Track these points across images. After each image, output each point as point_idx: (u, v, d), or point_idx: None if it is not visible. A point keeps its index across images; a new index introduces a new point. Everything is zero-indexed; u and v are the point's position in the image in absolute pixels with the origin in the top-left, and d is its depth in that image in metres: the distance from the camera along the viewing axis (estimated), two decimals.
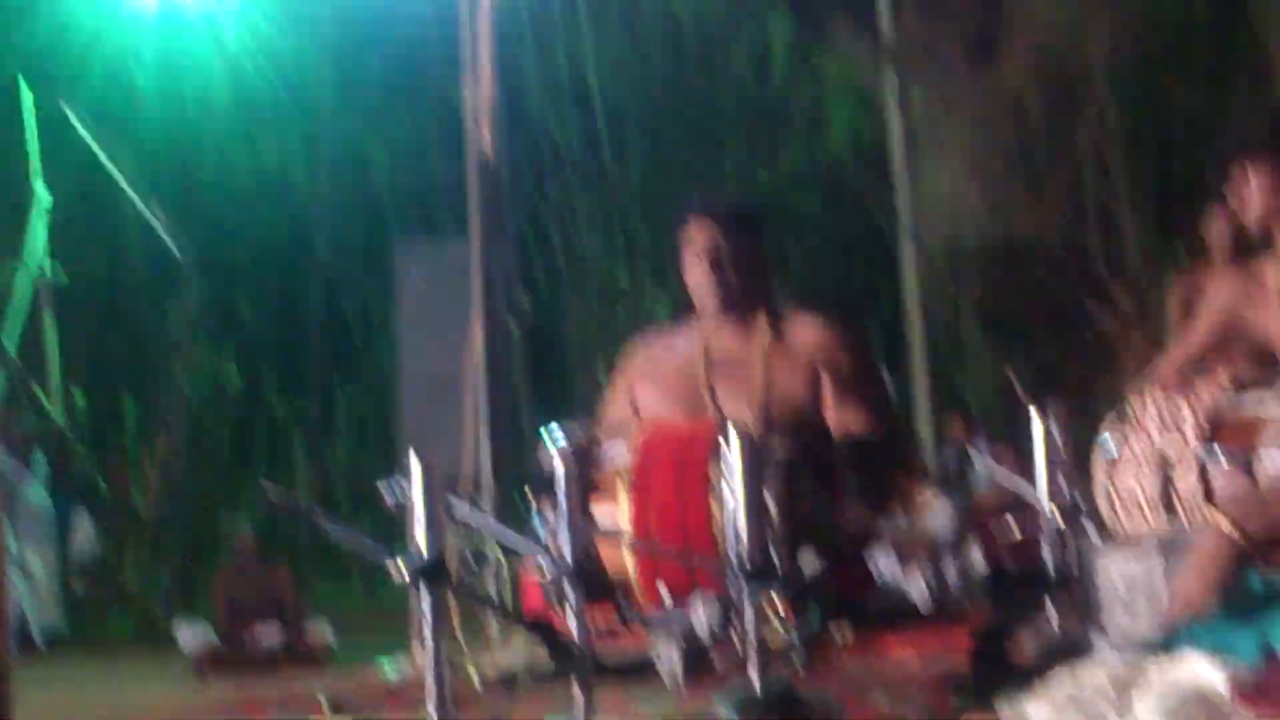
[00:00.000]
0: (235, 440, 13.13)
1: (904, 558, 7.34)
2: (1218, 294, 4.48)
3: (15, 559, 9.58)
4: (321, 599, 10.21)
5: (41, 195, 11.13)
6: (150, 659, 9.23)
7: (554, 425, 3.16)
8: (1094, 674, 1.74)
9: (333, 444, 14.07)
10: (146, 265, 12.86)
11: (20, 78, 11.34)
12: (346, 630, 8.81)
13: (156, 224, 11.72)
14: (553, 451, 2.54)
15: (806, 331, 4.06)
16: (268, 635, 8.67)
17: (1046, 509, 3.26)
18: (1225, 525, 2.14)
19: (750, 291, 4.05)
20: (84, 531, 10.98)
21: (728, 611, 2.46)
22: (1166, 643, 1.88)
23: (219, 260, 13.47)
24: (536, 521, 3.49)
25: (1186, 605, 2.06)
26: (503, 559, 2.95)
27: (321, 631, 8.77)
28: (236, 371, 13.06)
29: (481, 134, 6.46)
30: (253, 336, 14.20)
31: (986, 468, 6.20)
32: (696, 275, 4.05)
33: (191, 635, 8.79)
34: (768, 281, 4.20)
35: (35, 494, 10.25)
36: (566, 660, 2.09)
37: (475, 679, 2.28)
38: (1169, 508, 3.11)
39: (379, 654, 3.74)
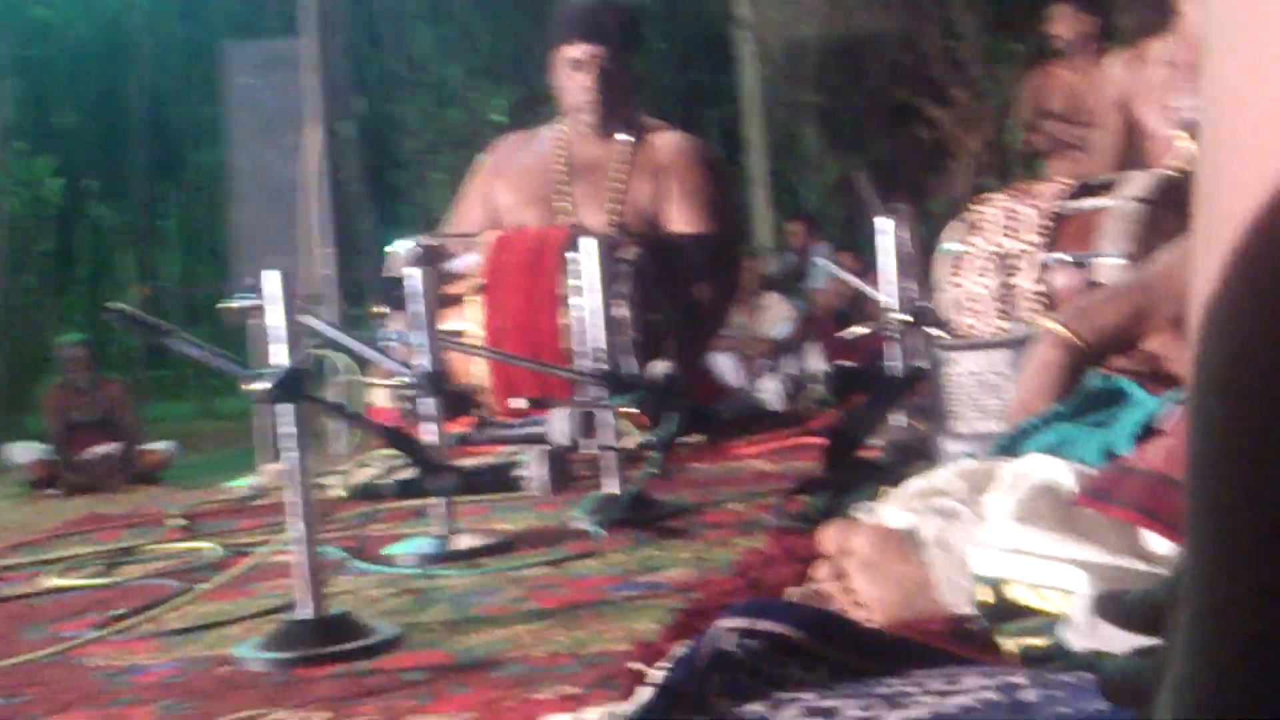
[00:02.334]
0: (59, 251, 12.75)
1: (748, 361, 7.46)
2: (1109, 85, 4.53)
3: None
4: (157, 415, 10.07)
5: None
6: None
7: (406, 238, 3.11)
8: (945, 474, 1.77)
9: (162, 254, 13.76)
10: None
11: None
12: (184, 449, 8.71)
13: None
14: (405, 258, 2.50)
15: (662, 143, 4.08)
16: (105, 452, 8.52)
17: (893, 309, 3.31)
18: (1060, 329, 2.17)
19: (624, 106, 4.06)
20: None
21: (585, 421, 2.47)
22: (1014, 443, 1.92)
23: (34, 59, 12.96)
24: (385, 336, 3.46)
25: (1025, 410, 2.10)
26: (357, 374, 2.92)
27: (160, 449, 8.65)
28: (57, 178, 12.59)
29: None
30: (73, 142, 13.74)
31: (830, 270, 6.31)
32: (576, 89, 4.03)
33: (25, 452, 8.61)
34: (636, 92, 4.22)
35: None
36: (429, 471, 2.08)
37: (340, 491, 2.28)
38: (1009, 308, 3.17)
39: (218, 471, 3.72)
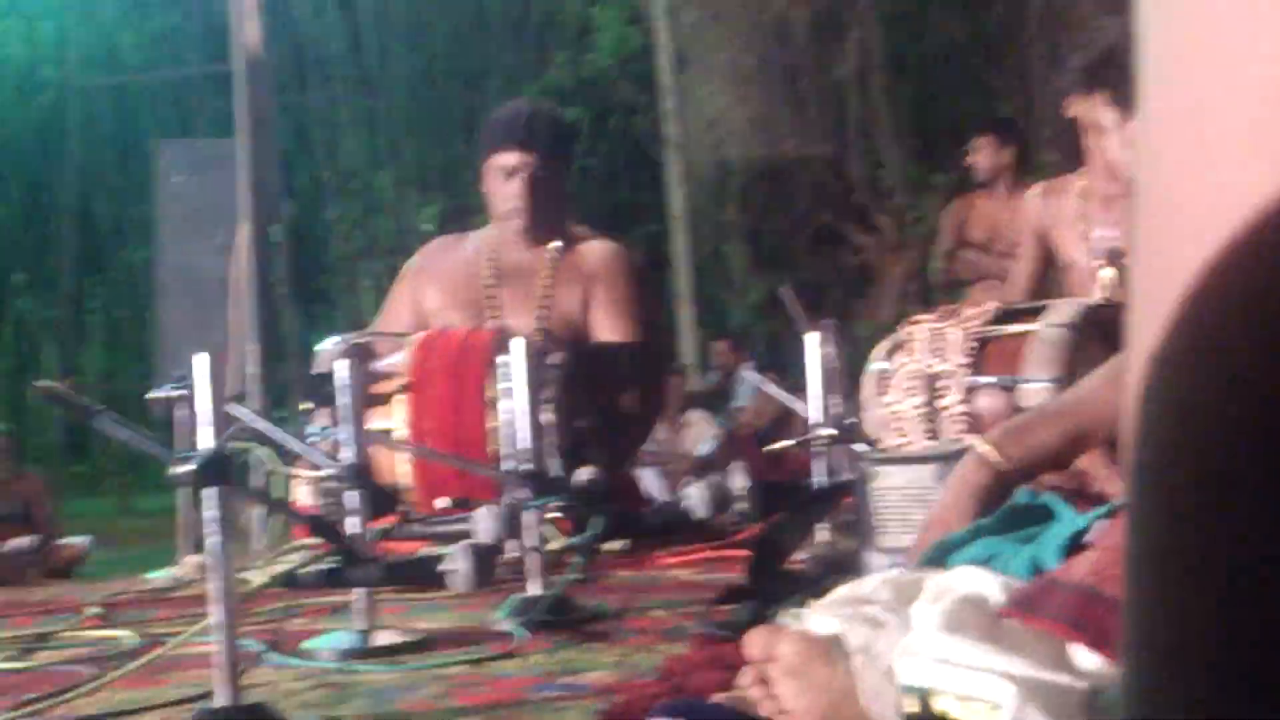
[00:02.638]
0: None
1: (671, 476, 7.46)
2: (1028, 215, 4.60)
3: None
4: (75, 511, 9.91)
5: None
6: None
7: (334, 336, 3.11)
8: (872, 584, 1.77)
9: (85, 347, 13.63)
10: None
11: None
12: (101, 545, 8.58)
13: None
14: (332, 353, 2.50)
15: (590, 251, 4.10)
16: (19, 544, 8.39)
17: (819, 424, 3.33)
18: (986, 450, 2.18)
19: (554, 214, 4.07)
20: None
21: (510, 521, 2.46)
22: (940, 556, 1.92)
23: None
24: (311, 433, 3.44)
25: (942, 526, 2.11)
26: (278, 469, 2.89)
27: (76, 543, 8.52)
28: None
29: (246, 30, 6.26)
30: (2, 234, 13.65)
31: (758, 385, 6.36)
32: (506, 196, 4.04)
33: None
34: (566, 201, 4.24)
35: None
36: (352, 561, 2.06)
37: (256, 580, 2.25)
38: (935, 429, 3.19)
39: (135, 567, 3.66)
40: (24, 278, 13.31)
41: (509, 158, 4.02)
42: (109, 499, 12.20)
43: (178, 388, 2.59)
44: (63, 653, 2.50)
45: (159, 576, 3.33)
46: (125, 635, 2.55)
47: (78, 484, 12.07)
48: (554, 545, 3.02)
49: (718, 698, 1.76)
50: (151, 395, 2.84)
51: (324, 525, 2.04)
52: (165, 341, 7.77)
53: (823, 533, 3.22)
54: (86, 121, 13.92)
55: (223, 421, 1.88)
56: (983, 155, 6.61)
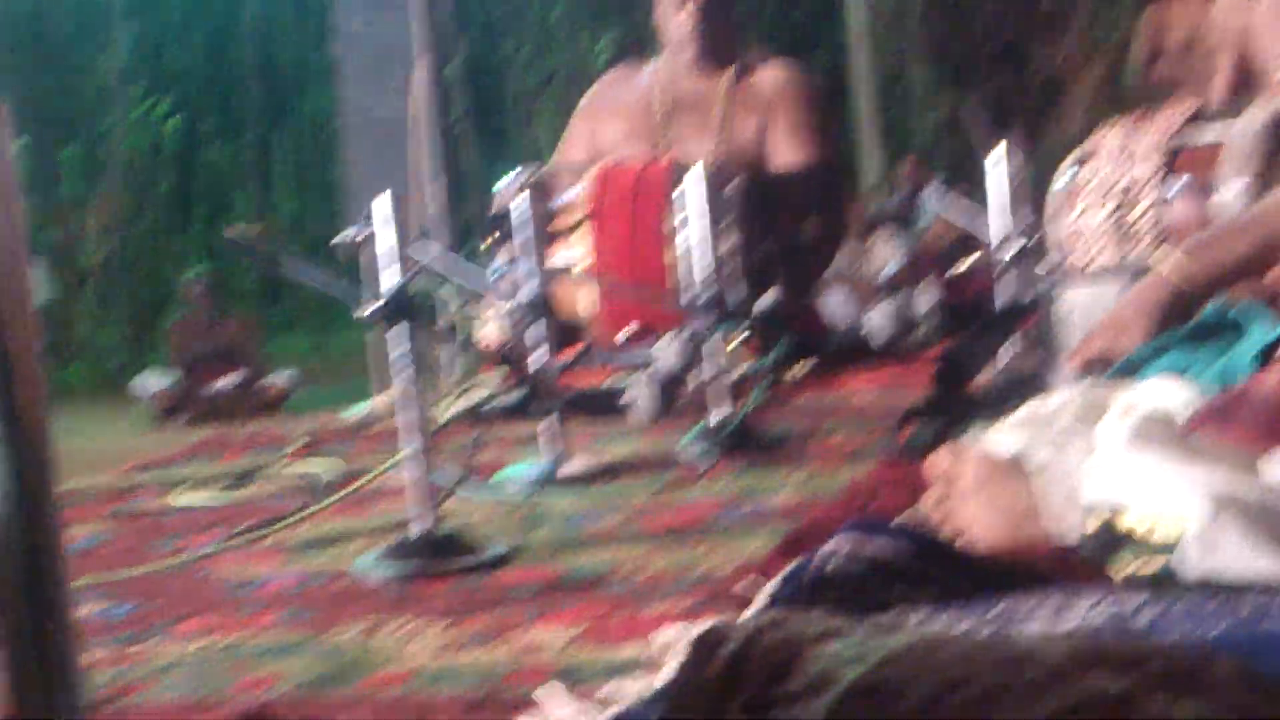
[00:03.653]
0: (177, 191, 12.91)
1: (855, 299, 7.41)
2: (1223, 18, 4.41)
3: None
4: (273, 350, 10.20)
5: None
6: (105, 409, 9.25)
7: (513, 172, 3.12)
8: (1056, 403, 1.74)
9: (273, 193, 13.91)
10: (75, 7, 12.43)
11: None
12: (300, 382, 8.84)
13: None
14: (513, 189, 2.52)
15: (766, 76, 4.05)
16: (226, 383, 8.69)
17: (1002, 241, 3.28)
18: (1168, 269, 2.12)
19: (726, 40, 4.03)
20: (37, 280, 10.85)
21: (693, 349, 2.48)
22: (1129, 369, 1.89)
23: (150, 1, 13.13)
24: (493, 270, 3.49)
25: (1110, 339, 2.06)
26: (462, 307, 2.94)
27: (281, 380, 8.79)
28: (173, 119, 12.73)
29: None
30: (188, 84, 13.91)
31: (944, 203, 6.26)
32: (679, 24, 4.00)
33: (153, 381, 8.83)
34: (739, 28, 4.19)
35: None
36: (537, 392, 2.10)
37: (450, 413, 2.31)
38: (1124, 239, 3.12)
39: (332, 403, 3.78)
40: (212, 125, 13.58)
41: None
42: (306, 337, 12.53)
43: (362, 231, 2.65)
44: (269, 487, 2.60)
45: (355, 412, 3.43)
46: (327, 469, 2.64)
47: (276, 324, 12.40)
48: (738, 371, 3.04)
49: (901, 518, 1.77)
50: (336, 240, 2.91)
51: (509, 359, 2.07)
52: (350, 184, 7.89)
53: (1008, 351, 3.19)
54: None
55: (405, 262, 1.91)
56: None
